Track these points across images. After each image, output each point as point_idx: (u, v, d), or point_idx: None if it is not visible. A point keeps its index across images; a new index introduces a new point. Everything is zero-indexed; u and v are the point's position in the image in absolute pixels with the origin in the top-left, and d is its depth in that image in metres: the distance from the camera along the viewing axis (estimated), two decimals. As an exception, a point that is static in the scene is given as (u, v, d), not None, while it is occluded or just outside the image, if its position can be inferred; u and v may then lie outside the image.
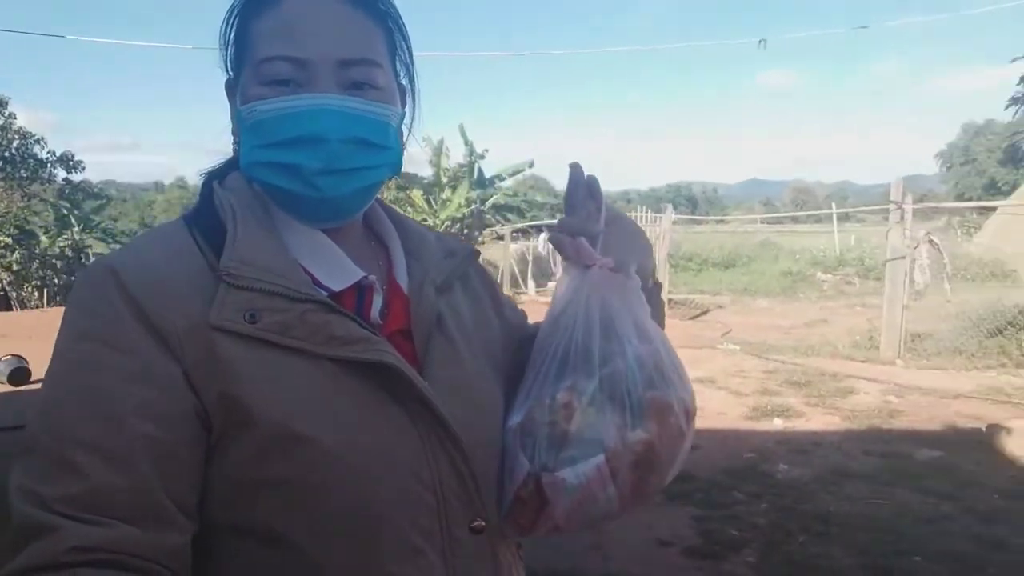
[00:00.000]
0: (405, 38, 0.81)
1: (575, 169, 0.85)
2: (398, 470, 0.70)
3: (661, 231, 12.28)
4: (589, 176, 0.85)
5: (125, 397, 0.63)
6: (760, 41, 11.25)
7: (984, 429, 5.12)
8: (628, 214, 0.91)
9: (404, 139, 0.82)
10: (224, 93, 0.80)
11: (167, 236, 0.75)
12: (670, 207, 13.11)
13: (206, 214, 0.76)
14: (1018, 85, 8.19)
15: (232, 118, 0.79)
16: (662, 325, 0.85)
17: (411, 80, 0.83)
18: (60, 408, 0.64)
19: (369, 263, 0.82)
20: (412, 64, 0.83)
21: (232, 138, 0.81)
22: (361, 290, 0.77)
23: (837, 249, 18.62)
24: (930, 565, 3.21)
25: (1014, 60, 7.52)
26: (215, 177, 0.80)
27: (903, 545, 3.40)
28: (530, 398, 0.78)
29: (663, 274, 11.65)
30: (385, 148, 0.76)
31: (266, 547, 0.67)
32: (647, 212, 13.78)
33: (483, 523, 0.75)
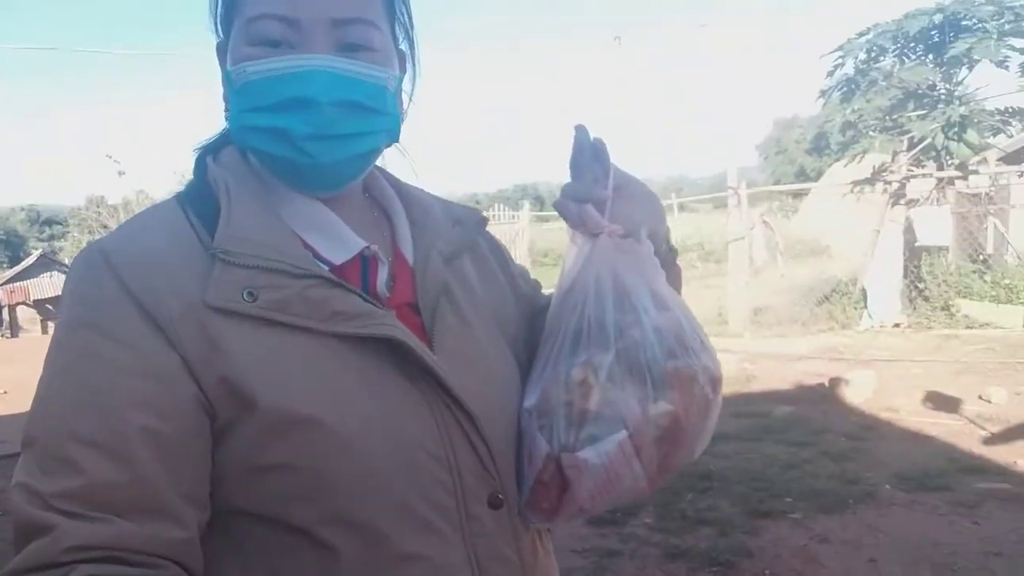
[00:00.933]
0: (405, 1, 0.78)
1: (580, 132, 0.80)
2: (408, 447, 0.67)
3: (519, 228, 12.59)
4: (595, 139, 0.80)
5: (122, 389, 0.61)
6: (616, 38, 11.81)
7: (826, 383, 5.75)
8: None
9: (405, 107, 0.78)
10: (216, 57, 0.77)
11: (159, 216, 0.72)
12: (527, 205, 13.46)
13: (199, 191, 0.73)
14: (826, 79, 9.25)
15: (222, 82, 0.75)
16: (679, 291, 0.82)
17: (411, 45, 0.80)
18: (56, 402, 0.63)
19: (372, 234, 0.78)
20: (412, 28, 0.80)
21: (224, 104, 0.76)
22: (365, 262, 0.74)
23: (679, 236, 19.84)
24: (799, 503, 3.59)
25: (821, 57, 8.43)
26: (209, 151, 0.77)
27: (775, 490, 3.78)
28: (544, 377, 0.75)
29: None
30: (381, 113, 0.71)
31: (278, 529, 0.65)
32: (504, 211, 14.03)
33: (501, 497, 0.73)
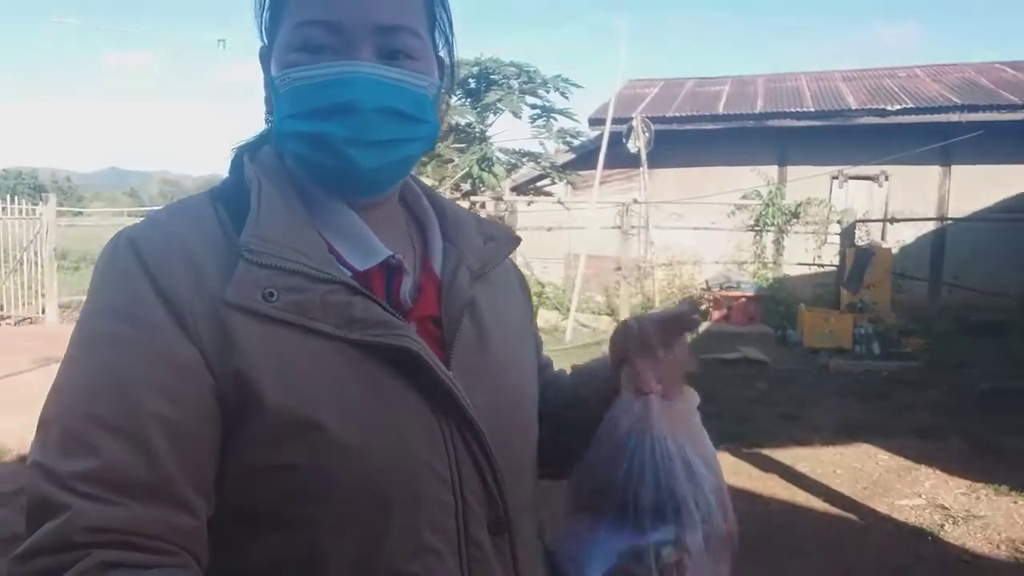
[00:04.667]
0: (446, 8, 0.79)
1: (690, 305, 0.82)
2: (412, 463, 0.67)
3: (44, 225, 10.68)
4: (696, 314, 0.82)
5: (142, 376, 0.62)
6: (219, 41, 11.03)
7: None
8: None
9: (441, 114, 0.79)
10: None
11: (189, 210, 0.72)
12: (53, 197, 11.44)
13: (233, 189, 0.73)
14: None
15: (265, 87, 0.76)
16: None
17: (450, 53, 0.80)
18: (76, 384, 0.63)
19: (402, 244, 0.79)
20: (452, 36, 0.80)
21: (265, 108, 0.77)
22: (390, 271, 0.74)
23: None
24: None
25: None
26: (247, 150, 0.78)
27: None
28: (611, 548, 0.74)
29: (50, 276, 10.32)
30: (421, 121, 0.72)
31: (276, 532, 0.66)
32: (17, 202, 11.59)
33: (504, 523, 0.72)
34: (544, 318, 8.92)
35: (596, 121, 10.81)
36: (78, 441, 0.60)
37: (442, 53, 0.79)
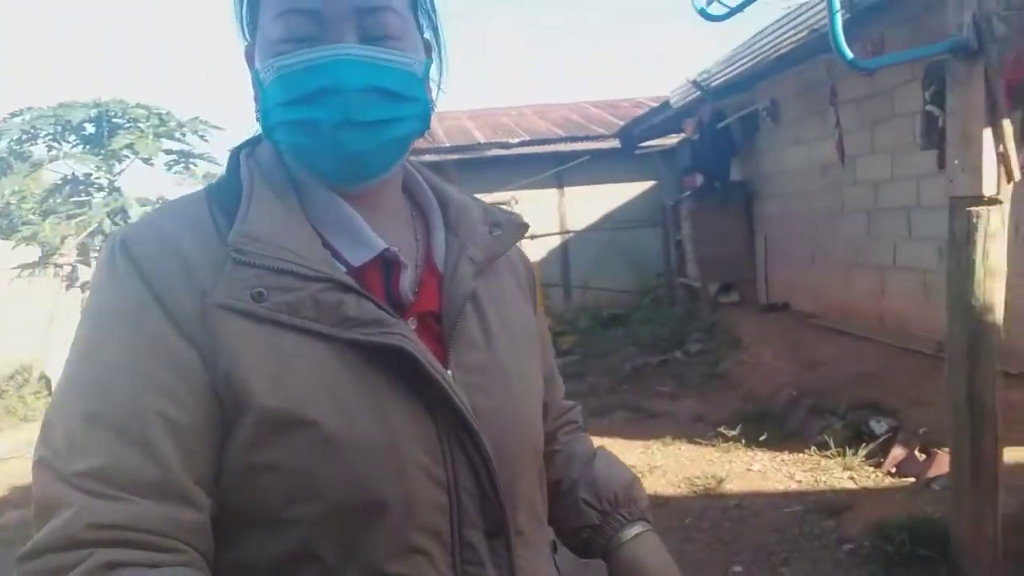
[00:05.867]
0: None
1: None
2: (406, 464, 0.66)
3: None
4: None
5: (142, 375, 0.62)
6: None
7: None
8: None
9: (433, 95, 0.77)
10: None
11: (183, 210, 0.71)
12: None
13: (228, 187, 0.72)
14: None
15: (252, 85, 0.74)
16: None
17: (436, 32, 0.79)
18: (79, 384, 0.64)
19: (404, 236, 0.77)
20: (435, 15, 0.79)
21: (255, 106, 0.74)
22: (388, 264, 0.72)
23: None
24: None
25: None
26: (245, 148, 0.77)
27: None
28: None
29: None
30: (409, 99, 0.71)
31: (264, 530, 0.65)
32: None
33: (500, 526, 0.71)
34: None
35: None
36: (82, 440, 0.60)
37: (427, 34, 0.78)
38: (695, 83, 6.94)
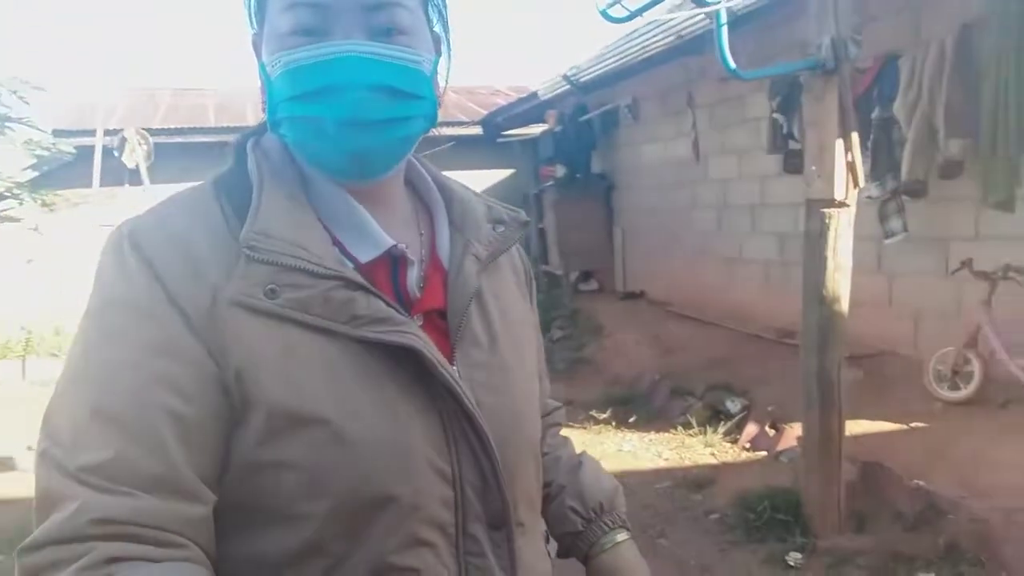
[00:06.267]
0: None
1: None
2: (413, 459, 0.66)
3: None
4: None
5: (148, 368, 0.61)
6: None
7: None
8: None
9: (440, 91, 0.75)
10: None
11: (192, 202, 0.70)
12: None
13: (235, 179, 0.71)
14: None
15: (259, 75, 0.72)
16: None
17: (445, 27, 0.77)
18: (83, 377, 0.63)
19: (408, 231, 0.76)
20: (446, 9, 0.77)
21: (261, 96, 0.73)
22: (395, 261, 0.73)
23: None
24: None
25: None
26: (252, 137, 0.75)
27: None
28: None
29: None
30: (417, 97, 0.70)
31: (272, 525, 0.65)
32: None
33: (503, 519, 0.72)
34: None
35: (63, 133, 9.26)
36: (86, 434, 0.59)
37: (436, 28, 0.76)
38: (565, 77, 7.16)
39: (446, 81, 0.78)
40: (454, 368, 0.70)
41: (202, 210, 0.69)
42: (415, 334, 0.68)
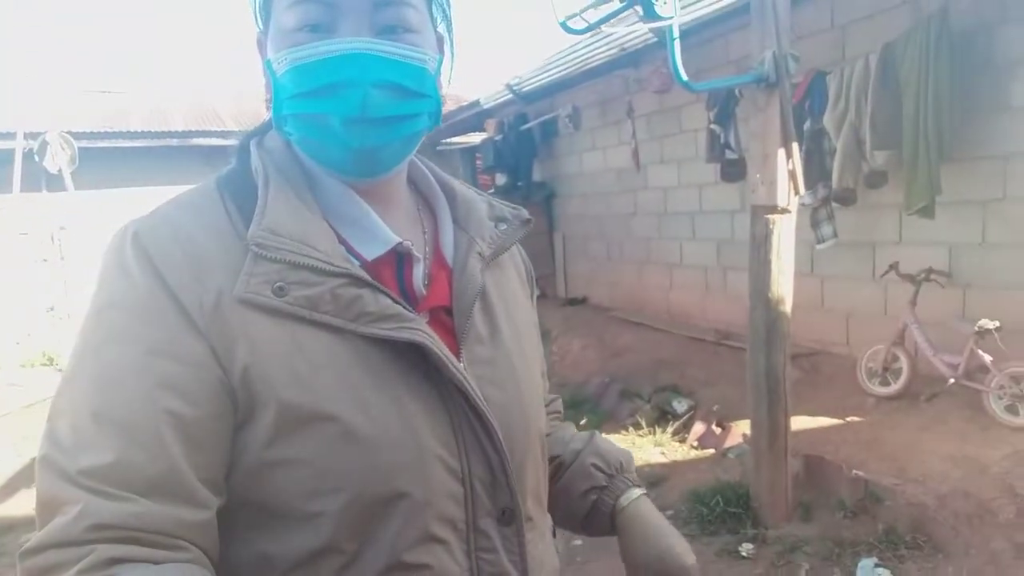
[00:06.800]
0: None
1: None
2: (423, 456, 0.66)
3: None
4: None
5: (150, 370, 0.61)
6: None
7: None
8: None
9: (443, 90, 0.75)
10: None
11: (196, 201, 0.69)
12: None
13: (240, 178, 0.71)
14: None
15: (264, 73, 0.72)
16: None
17: (448, 26, 0.77)
18: (84, 380, 0.62)
19: (412, 229, 0.76)
20: (450, 9, 0.77)
21: (266, 94, 0.73)
22: (400, 258, 0.73)
23: None
24: None
25: None
26: (255, 136, 0.75)
27: None
28: None
29: None
30: (423, 96, 0.70)
31: (285, 524, 0.65)
32: None
33: (512, 514, 0.72)
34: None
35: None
36: (87, 437, 0.59)
37: (440, 28, 0.77)
38: (508, 86, 7.25)
39: (448, 81, 0.78)
40: (461, 364, 0.70)
41: (206, 209, 0.68)
42: (423, 331, 0.67)
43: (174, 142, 10.64)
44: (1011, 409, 3.50)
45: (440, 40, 0.77)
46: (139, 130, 10.57)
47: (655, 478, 3.82)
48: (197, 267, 0.64)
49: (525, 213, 0.88)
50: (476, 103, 8.46)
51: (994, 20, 3.74)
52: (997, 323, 3.57)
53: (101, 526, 0.56)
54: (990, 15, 3.75)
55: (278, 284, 0.64)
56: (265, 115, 0.75)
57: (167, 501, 0.59)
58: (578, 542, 3.22)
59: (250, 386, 0.62)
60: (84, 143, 9.32)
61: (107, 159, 9.81)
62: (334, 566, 0.65)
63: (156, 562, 0.57)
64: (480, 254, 0.78)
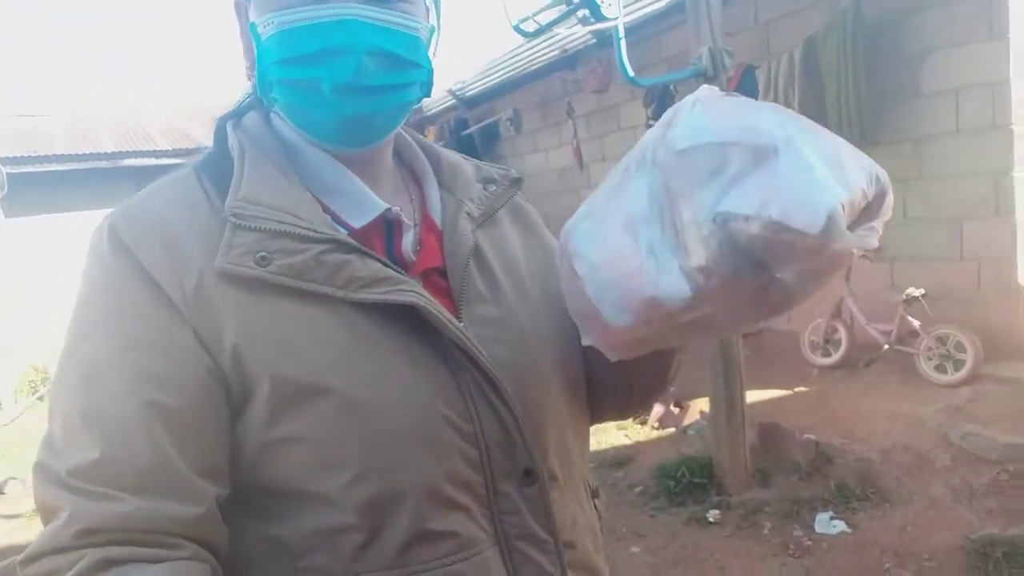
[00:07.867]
0: None
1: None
2: (431, 419, 0.64)
3: None
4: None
5: (130, 364, 0.60)
6: None
7: None
8: None
9: (433, 59, 0.72)
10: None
11: (171, 186, 0.68)
12: None
13: (217, 159, 0.69)
14: None
15: (243, 38, 0.69)
16: None
17: None
18: (68, 378, 0.62)
19: (399, 197, 0.75)
20: None
21: (245, 62, 0.70)
22: (389, 225, 0.71)
23: None
24: None
25: None
26: (231, 118, 0.73)
27: None
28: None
29: None
30: (415, 65, 0.68)
31: (298, 505, 0.63)
32: None
33: (533, 474, 0.69)
34: None
35: None
36: (75, 436, 0.59)
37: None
38: (450, 91, 7.35)
39: (434, 54, 0.74)
40: (461, 324, 0.68)
41: (181, 193, 0.67)
42: (416, 291, 0.65)
43: (104, 164, 10.37)
44: (940, 368, 3.81)
45: (427, 9, 0.73)
46: (66, 153, 10.27)
47: (622, 459, 4.00)
48: (176, 251, 0.62)
49: (514, 173, 0.86)
50: (419, 109, 8.53)
51: (903, 11, 4.06)
52: (923, 290, 3.89)
53: (89, 531, 0.56)
54: (899, 6, 4.07)
55: (260, 254, 0.61)
56: (245, 96, 0.74)
57: (158, 496, 0.58)
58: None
59: (241, 366, 0.61)
60: (9, 168, 9.00)
61: (35, 184, 9.48)
62: (353, 543, 0.63)
63: (149, 561, 0.56)
64: (469, 214, 0.76)
